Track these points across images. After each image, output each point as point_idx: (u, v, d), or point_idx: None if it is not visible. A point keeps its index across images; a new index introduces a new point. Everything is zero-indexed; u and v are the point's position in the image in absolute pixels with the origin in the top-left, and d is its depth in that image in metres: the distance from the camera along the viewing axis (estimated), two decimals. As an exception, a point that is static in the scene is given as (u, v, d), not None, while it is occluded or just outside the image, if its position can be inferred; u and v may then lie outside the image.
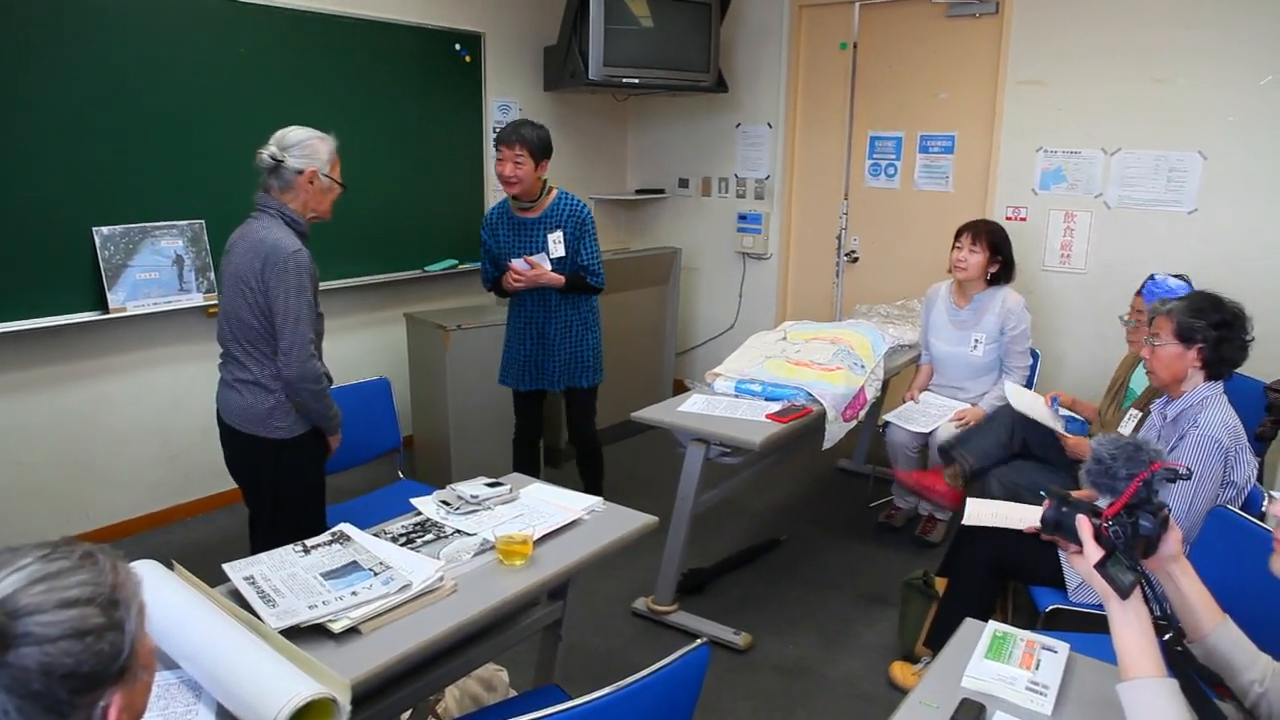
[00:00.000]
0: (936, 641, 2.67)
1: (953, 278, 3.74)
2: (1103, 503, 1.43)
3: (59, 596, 0.82)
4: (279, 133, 2.47)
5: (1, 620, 0.79)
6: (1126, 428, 3.06)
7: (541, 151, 3.31)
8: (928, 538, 3.73)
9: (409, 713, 2.37)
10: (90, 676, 0.82)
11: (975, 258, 3.59)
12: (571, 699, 1.41)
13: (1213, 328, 2.28)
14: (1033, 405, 3.31)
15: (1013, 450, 3.28)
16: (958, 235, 3.66)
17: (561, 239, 3.42)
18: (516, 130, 3.27)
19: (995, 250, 3.60)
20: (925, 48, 4.68)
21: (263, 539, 2.64)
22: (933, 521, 3.74)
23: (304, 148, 2.44)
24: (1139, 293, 3.11)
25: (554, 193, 3.45)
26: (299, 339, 2.39)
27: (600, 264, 3.49)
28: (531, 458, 3.80)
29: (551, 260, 3.42)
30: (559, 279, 3.39)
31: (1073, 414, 3.37)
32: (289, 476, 2.55)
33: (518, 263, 3.39)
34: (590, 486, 3.79)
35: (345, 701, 1.37)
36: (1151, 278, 3.12)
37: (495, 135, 3.35)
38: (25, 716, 0.79)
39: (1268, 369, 3.28)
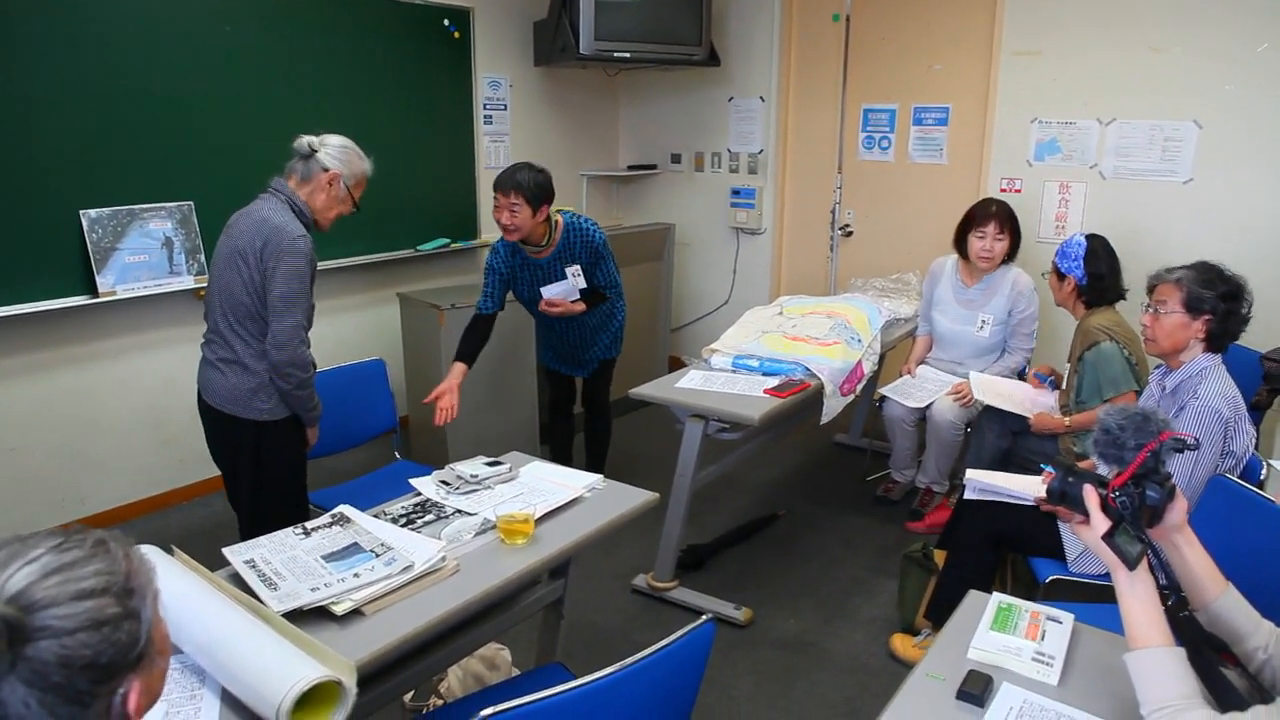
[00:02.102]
0: (936, 614, 2.68)
1: (955, 255, 3.74)
2: (1104, 470, 1.42)
3: (74, 588, 0.81)
4: (326, 134, 2.52)
5: (18, 615, 0.78)
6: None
7: (539, 198, 3.16)
8: (925, 509, 3.74)
9: (412, 693, 2.38)
10: (109, 666, 0.82)
11: (1001, 245, 3.56)
12: (575, 677, 1.41)
13: (1220, 299, 2.27)
14: (999, 393, 3.33)
15: (1004, 447, 3.32)
16: (980, 222, 3.57)
17: (580, 271, 3.39)
18: (512, 176, 3.13)
19: (1014, 233, 3.59)
20: (919, 19, 4.64)
21: (244, 522, 2.63)
22: (930, 494, 3.75)
23: (341, 152, 2.49)
24: (1055, 253, 3.22)
25: (560, 225, 3.33)
26: (292, 324, 2.37)
27: (618, 278, 3.51)
28: (565, 427, 3.86)
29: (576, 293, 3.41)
30: (582, 308, 3.40)
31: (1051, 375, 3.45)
32: (270, 459, 2.53)
33: (549, 293, 3.36)
34: (593, 458, 3.86)
35: (351, 684, 1.36)
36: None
37: (494, 181, 3.24)
38: (47, 709, 0.78)
39: (1263, 338, 3.29)
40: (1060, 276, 3.15)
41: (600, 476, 2.23)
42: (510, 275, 3.42)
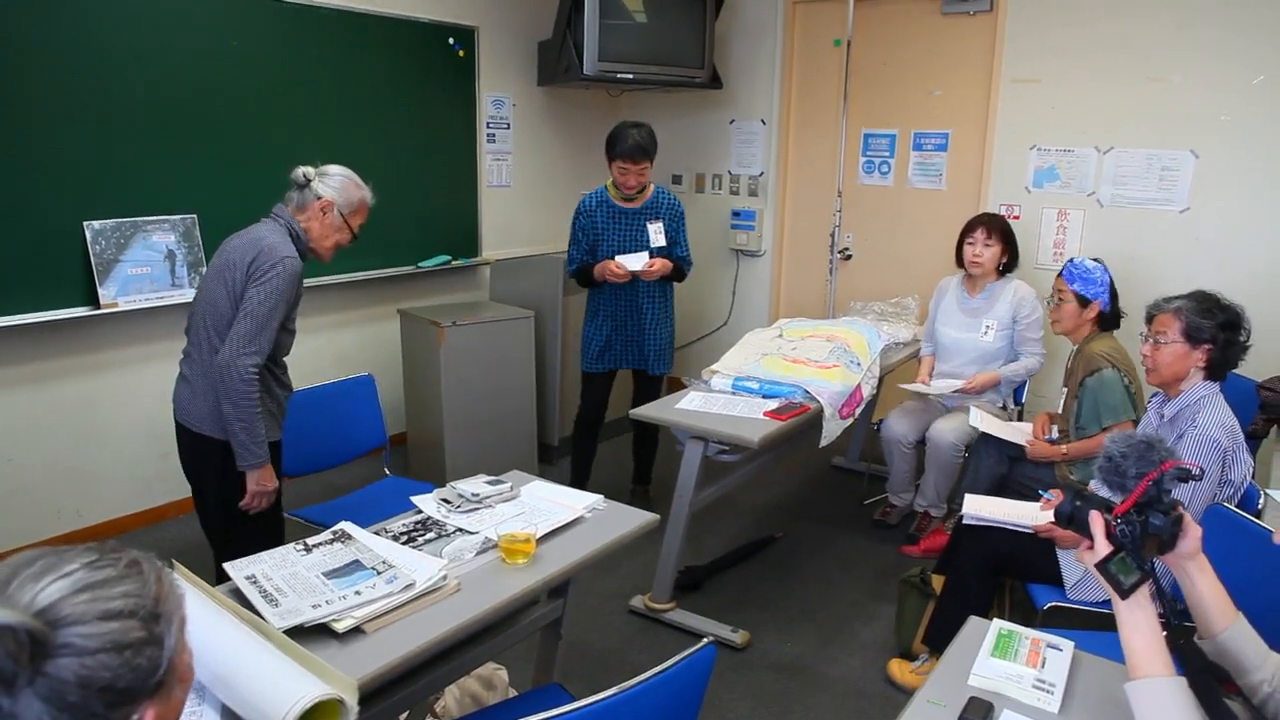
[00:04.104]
0: (934, 639, 2.68)
1: (961, 272, 3.77)
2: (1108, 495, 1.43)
3: (101, 608, 0.81)
4: (326, 165, 2.55)
5: (43, 630, 0.78)
6: (1057, 405, 3.17)
7: (655, 154, 3.60)
8: (922, 533, 3.74)
9: (406, 713, 2.36)
10: (126, 691, 0.81)
11: (990, 251, 3.63)
12: (574, 698, 1.40)
13: (1220, 328, 2.29)
14: (995, 425, 3.32)
15: (1001, 472, 3.31)
16: (969, 230, 3.67)
17: (662, 229, 3.65)
18: (640, 146, 3.50)
19: (1006, 242, 3.65)
20: (919, 45, 4.69)
21: (217, 546, 2.58)
22: (928, 518, 3.75)
23: (335, 180, 2.51)
24: (1060, 274, 3.20)
25: (652, 187, 3.71)
26: (249, 335, 2.34)
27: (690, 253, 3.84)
28: (590, 445, 3.96)
29: (653, 249, 3.63)
30: (670, 266, 3.65)
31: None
32: (237, 481, 2.46)
33: (631, 261, 3.55)
34: (641, 469, 4.02)
35: (352, 702, 1.36)
36: (1071, 260, 3.19)
37: (614, 150, 3.56)
38: None
39: (1259, 367, 3.31)
40: (1084, 303, 3.13)
41: (601, 497, 2.23)
42: (595, 231, 3.65)
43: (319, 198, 2.47)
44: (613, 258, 3.58)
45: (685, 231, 3.78)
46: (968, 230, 3.68)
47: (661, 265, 3.61)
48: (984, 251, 3.63)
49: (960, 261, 3.73)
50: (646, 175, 3.60)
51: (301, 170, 2.49)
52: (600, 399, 3.88)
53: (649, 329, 3.76)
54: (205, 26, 3.63)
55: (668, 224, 3.69)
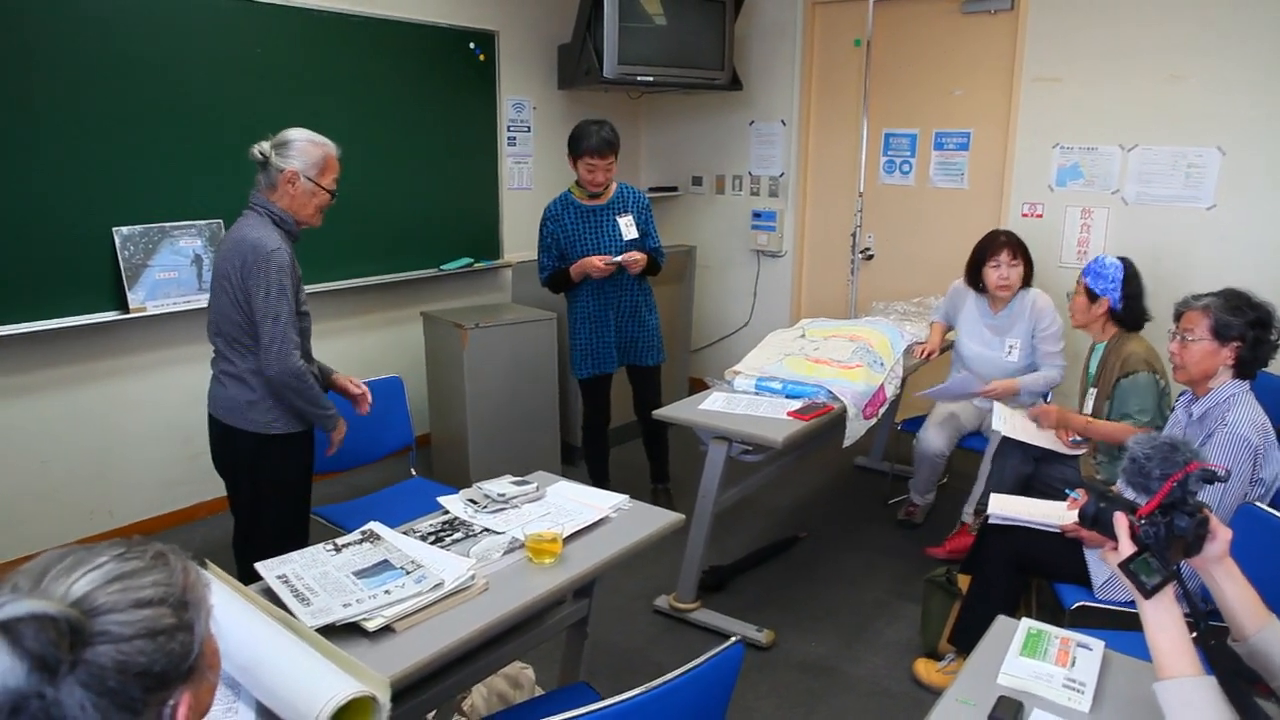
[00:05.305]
0: (960, 639, 2.67)
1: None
2: (1133, 497, 1.43)
3: (134, 596, 0.84)
4: (281, 132, 2.47)
5: (80, 618, 0.80)
6: (1087, 406, 3.11)
7: (619, 149, 3.62)
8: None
9: (434, 712, 2.38)
10: (162, 675, 0.84)
11: (1016, 271, 3.56)
12: (601, 697, 1.41)
13: (1249, 326, 2.27)
14: (1023, 428, 3.29)
15: (1026, 472, 3.26)
16: (993, 252, 3.55)
17: (633, 223, 3.66)
18: (605, 141, 3.52)
19: (1025, 256, 3.59)
20: (940, 44, 4.67)
21: (242, 536, 2.63)
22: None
23: (293, 148, 2.43)
24: (1084, 274, 3.14)
25: (615, 183, 3.71)
26: (278, 336, 2.38)
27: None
28: (602, 446, 3.96)
29: (625, 241, 3.64)
30: (644, 257, 3.63)
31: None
32: (267, 473, 2.53)
33: (616, 257, 3.56)
34: (657, 467, 3.98)
35: (385, 699, 1.38)
36: (1096, 258, 3.15)
37: (580, 147, 3.54)
38: (101, 713, 0.80)
39: (1289, 365, 3.27)
40: (1092, 298, 3.10)
41: (626, 497, 2.24)
42: (566, 234, 3.64)
43: (281, 171, 2.42)
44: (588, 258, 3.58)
45: (654, 223, 3.78)
46: (989, 252, 3.57)
47: (641, 258, 3.61)
48: (1010, 273, 3.55)
49: (977, 283, 3.65)
50: (613, 170, 3.60)
51: (256, 148, 2.42)
52: (600, 403, 3.87)
53: (622, 324, 3.74)
54: (230, 34, 3.67)
55: (637, 216, 3.69)
